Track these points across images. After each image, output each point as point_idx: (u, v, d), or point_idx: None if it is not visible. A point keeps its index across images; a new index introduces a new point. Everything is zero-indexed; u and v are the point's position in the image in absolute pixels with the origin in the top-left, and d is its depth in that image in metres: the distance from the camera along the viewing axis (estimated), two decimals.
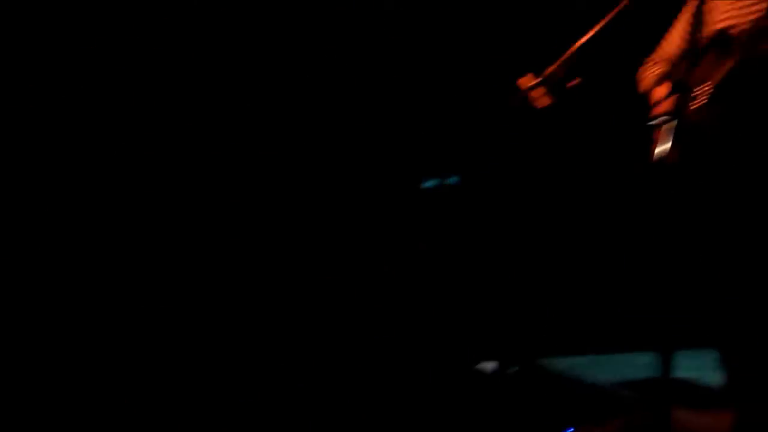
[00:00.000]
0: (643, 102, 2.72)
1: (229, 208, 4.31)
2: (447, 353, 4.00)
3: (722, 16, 2.41)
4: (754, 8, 2.32)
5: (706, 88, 2.31)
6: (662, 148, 2.12)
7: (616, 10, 2.36)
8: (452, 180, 4.08)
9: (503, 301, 4.43)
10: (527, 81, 2.75)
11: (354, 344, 3.97)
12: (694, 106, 2.33)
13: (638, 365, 3.58)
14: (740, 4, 2.38)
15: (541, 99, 2.69)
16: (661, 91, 2.52)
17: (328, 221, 4.42)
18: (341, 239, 4.42)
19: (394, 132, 4.65)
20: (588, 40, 2.45)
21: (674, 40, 2.68)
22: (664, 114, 2.33)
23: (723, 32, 2.35)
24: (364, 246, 4.41)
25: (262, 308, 4.16)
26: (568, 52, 2.51)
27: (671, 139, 2.18)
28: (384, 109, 4.65)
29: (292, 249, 4.33)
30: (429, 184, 4.15)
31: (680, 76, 2.41)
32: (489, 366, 3.60)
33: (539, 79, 2.65)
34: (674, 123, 2.24)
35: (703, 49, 2.40)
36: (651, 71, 2.74)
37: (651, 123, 2.24)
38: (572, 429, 2.49)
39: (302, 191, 4.45)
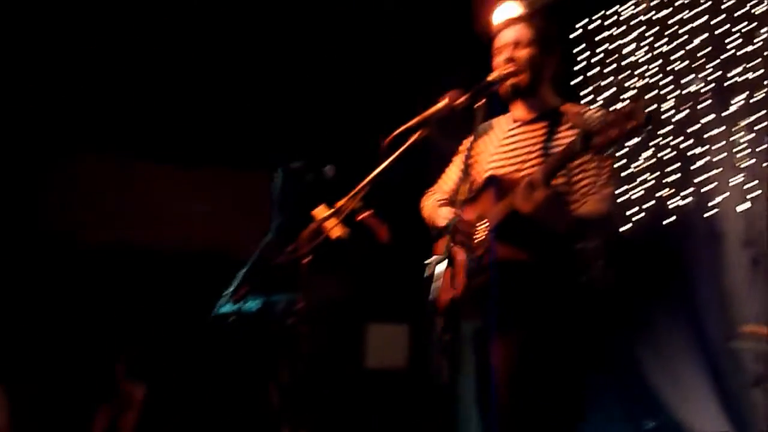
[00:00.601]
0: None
1: None
2: None
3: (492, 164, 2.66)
4: (525, 158, 2.54)
5: (483, 226, 2.47)
6: (435, 285, 2.18)
7: (403, 147, 2.50)
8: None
9: None
10: (321, 212, 2.85)
11: None
12: (476, 242, 2.50)
13: None
14: (511, 154, 2.61)
15: (334, 229, 2.80)
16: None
17: None
18: None
19: None
20: (377, 175, 2.56)
21: (451, 177, 2.90)
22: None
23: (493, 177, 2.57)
24: None
25: None
26: (359, 186, 2.62)
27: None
28: None
29: None
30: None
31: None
32: None
33: (332, 211, 2.76)
34: (444, 262, 2.33)
35: (478, 188, 2.61)
36: (431, 202, 2.89)
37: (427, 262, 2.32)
38: None
39: None
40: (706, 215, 4.33)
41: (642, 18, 4.85)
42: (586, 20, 5.14)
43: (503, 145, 2.66)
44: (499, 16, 5.01)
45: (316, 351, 3.11)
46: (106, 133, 5.33)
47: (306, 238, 2.74)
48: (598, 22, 5.09)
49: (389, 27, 5.41)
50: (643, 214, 4.62)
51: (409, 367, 5.41)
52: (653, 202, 4.59)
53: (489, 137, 2.75)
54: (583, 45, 5.14)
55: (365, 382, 5.21)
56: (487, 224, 2.45)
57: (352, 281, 4.79)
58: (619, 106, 2.03)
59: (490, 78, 2.55)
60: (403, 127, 2.51)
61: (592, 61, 5.08)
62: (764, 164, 4.07)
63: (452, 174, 2.89)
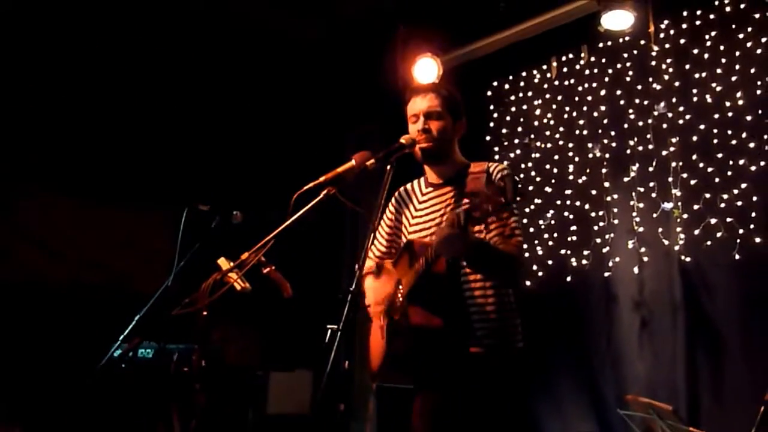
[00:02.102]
0: None
1: None
2: None
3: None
4: (437, 223, 2.63)
5: (400, 291, 2.55)
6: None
7: (310, 205, 2.50)
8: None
9: None
10: (224, 263, 2.80)
11: None
12: (396, 306, 2.56)
13: None
14: (426, 218, 2.71)
15: (237, 282, 2.75)
16: None
17: None
18: None
19: None
20: (282, 230, 2.54)
21: (380, 240, 2.93)
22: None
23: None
24: None
25: None
26: (264, 240, 2.59)
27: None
28: None
29: None
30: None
31: None
32: None
33: (236, 263, 2.71)
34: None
35: (399, 253, 2.69)
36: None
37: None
38: None
39: None
40: (605, 275, 4.52)
41: (548, 85, 5.09)
42: (497, 82, 5.35)
43: (418, 210, 2.78)
44: (417, 73, 5.18)
45: (211, 404, 3.00)
46: None
47: (206, 290, 2.66)
48: (508, 86, 5.30)
49: (302, 80, 5.45)
50: (543, 273, 4.78)
51: (312, 412, 5.34)
52: (551, 261, 4.77)
53: (410, 201, 2.85)
54: (494, 105, 5.33)
55: (267, 427, 5.10)
56: (404, 289, 2.52)
57: (254, 332, 4.70)
58: (497, 181, 2.15)
59: (400, 142, 2.59)
60: (310, 185, 2.50)
61: (505, 119, 5.27)
62: (659, 230, 4.31)
63: (380, 238, 2.93)
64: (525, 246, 4.45)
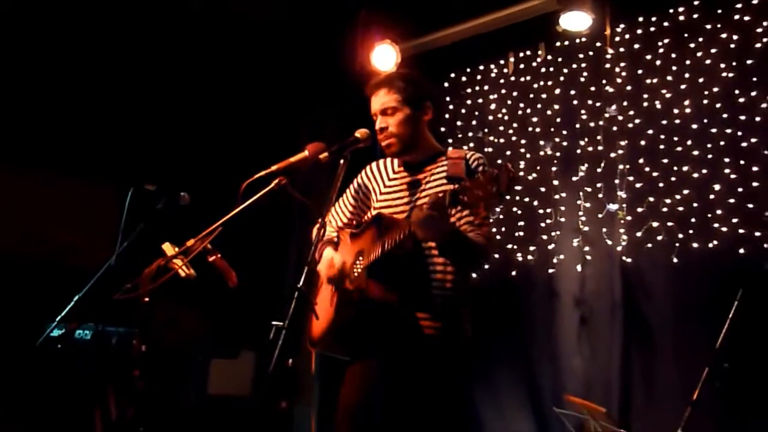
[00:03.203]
0: None
1: None
2: None
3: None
4: (406, 202, 2.62)
5: (360, 263, 2.53)
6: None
7: (259, 194, 2.46)
8: None
9: None
10: (168, 249, 2.74)
11: None
12: (352, 277, 2.55)
13: None
14: (395, 195, 2.69)
15: (182, 269, 2.70)
16: None
17: None
18: None
19: None
20: (230, 218, 2.50)
21: (344, 211, 2.90)
22: None
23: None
24: None
25: None
26: (211, 227, 2.55)
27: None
28: None
29: None
30: None
31: None
32: None
33: (181, 249, 2.66)
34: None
35: (365, 225, 2.67)
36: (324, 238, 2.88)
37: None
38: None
39: None
40: (549, 271, 4.61)
41: (504, 80, 5.13)
42: (454, 74, 5.35)
43: (387, 187, 2.74)
44: (375, 59, 5.14)
45: (150, 390, 2.95)
46: None
47: (148, 276, 2.61)
48: (465, 78, 5.32)
49: (258, 60, 5.35)
50: (489, 265, 4.85)
51: (252, 393, 5.33)
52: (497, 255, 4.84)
53: (380, 177, 2.81)
54: (450, 96, 5.35)
55: (207, 408, 5.05)
56: (364, 261, 2.50)
57: (197, 317, 4.62)
58: (488, 169, 2.10)
59: (355, 136, 2.56)
60: (261, 173, 2.46)
61: (460, 112, 5.29)
62: (603, 230, 4.41)
63: (344, 208, 2.89)
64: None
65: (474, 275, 4.76)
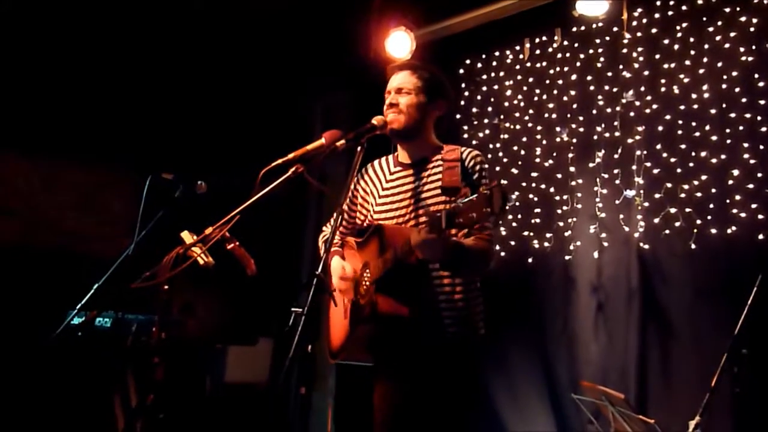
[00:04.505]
0: None
1: None
2: None
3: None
4: (405, 205, 2.65)
5: (368, 276, 2.56)
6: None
7: (277, 182, 2.47)
8: None
9: None
10: (187, 237, 2.76)
11: None
12: (362, 289, 2.58)
13: None
14: (393, 198, 2.70)
15: (201, 257, 2.72)
16: None
17: None
18: None
19: None
20: (248, 206, 2.51)
21: (348, 213, 2.92)
22: None
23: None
24: None
25: None
26: (229, 215, 2.56)
27: None
28: None
29: None
30: None
31: None
32: None
33: (199, 237, 2.68)
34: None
35: (367, 234, 2.67)
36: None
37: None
38: None
39: None
40: (566, 258, 4.60)
41: (520, 66, 5.09)
42: (469, 60, 5.33)
43: (385, 190, 2.76)
44: (389, 46, 5.14)
45: (170, 377, 2.98)
46: None
47: (167, 264, 2.62)
48: (480, 64, 5.29)
49: (271, 46, 5.34)
50: (506, 253, 4.84)
51: (270, 380, 5.38)
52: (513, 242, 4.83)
53: (377, 179, 2.82)
54: (465, 83, 5.32)
55: (225, 394, 5.11)
56: (371, 276, 2.53)
57: (216, 305, 4.66)
58: (480, 190, 2.10)
59: (371, 123, 2.57)
60: (278, 162, 2.47)
61: (476, 98, 5.26)
62: (620, 216, 4.39)
63: (351, 204, 2.91)
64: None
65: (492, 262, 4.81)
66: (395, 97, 2.67)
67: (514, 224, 4.86)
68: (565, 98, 4.80)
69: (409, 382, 2.49)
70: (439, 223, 2.18)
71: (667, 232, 4.18)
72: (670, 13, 4.41)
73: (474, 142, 5.14)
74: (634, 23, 4.54)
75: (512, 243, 4.84)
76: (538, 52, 5.01)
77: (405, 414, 2.47)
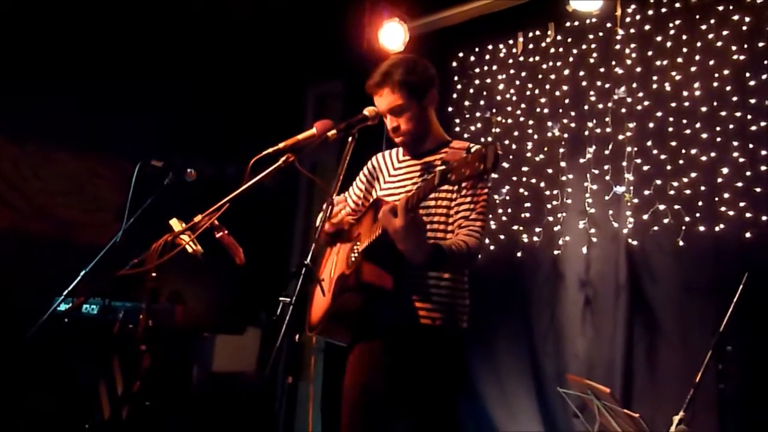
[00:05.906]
0: None
1: None
2: None
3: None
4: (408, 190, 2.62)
5: (358, 246, 2.56)
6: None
7: (267, 171, 2.46)
8: None
9: None
10: (176, 225, 2.75)
11: None
12: (350, 260, 2.57)
13: None
14: (398, 184, 2.72)
15: (189, 245, 2.71)
16: None
17: None
18: None
19: None
20: (237, 194, 2.50)
21: (356, 192, 2.93)
22: None
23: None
24: None
25: None
26: (218, 204, 2.55)
27: None
28: None
29: None
30: None
31: None
32: None
33: (188, 225, 2.67)
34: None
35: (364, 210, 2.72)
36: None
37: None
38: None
39: None
40: (554, 252, 4.61)
41: (513, 60, 5.09)
42: (462, 53, 5.32)
43: (391, 176, 2.78)
44: (383, 37, 5.12)
45: (156, 365, 2.98)
46: None
47: (155, 252, 2.61)
48: (473, 58, 5.28)
49: (264, 34, 5.32)
50: (495, 246, 4.85)
51: (257, 369, 5.38)
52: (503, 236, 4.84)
53: (385, 168, 2.85)
54: (458, 76, 5.31)
55: (212, 383, 5.11)
56: (361, 245, 2.53)
57: (204, 293, 4.65)
58: (476, 147, 2.08)
59: (363, 114, 2.57)
60: (269, 151, 2.46)
61: (468, 92, 5.26)
62: (609, 212, 4.41)
63: (351, 197, 2.93)
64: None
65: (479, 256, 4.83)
66: (392, 119, 2.67)
67: (503, 218, 4.87)
68: (557, 93, 4.80)
69: (385, 356, 2.49)
70: (433, 181, 2.18)
71: (656, 228, 4.20)
72: (663, 10, 4.41)
73: (465, 136, 5.14)
74: (628, 20, 4.54)
75: (501, 237, 4.85)
76: (531, 46, 5.01)
77: (376, 390, 2.47)
